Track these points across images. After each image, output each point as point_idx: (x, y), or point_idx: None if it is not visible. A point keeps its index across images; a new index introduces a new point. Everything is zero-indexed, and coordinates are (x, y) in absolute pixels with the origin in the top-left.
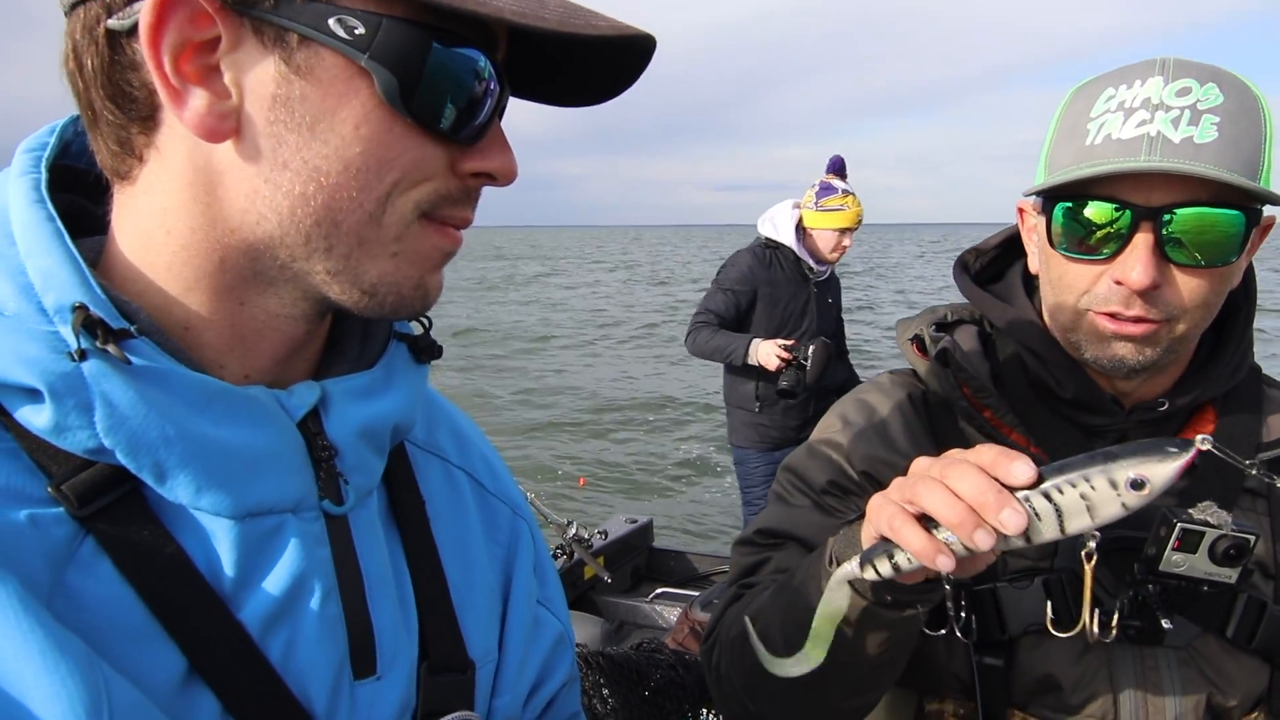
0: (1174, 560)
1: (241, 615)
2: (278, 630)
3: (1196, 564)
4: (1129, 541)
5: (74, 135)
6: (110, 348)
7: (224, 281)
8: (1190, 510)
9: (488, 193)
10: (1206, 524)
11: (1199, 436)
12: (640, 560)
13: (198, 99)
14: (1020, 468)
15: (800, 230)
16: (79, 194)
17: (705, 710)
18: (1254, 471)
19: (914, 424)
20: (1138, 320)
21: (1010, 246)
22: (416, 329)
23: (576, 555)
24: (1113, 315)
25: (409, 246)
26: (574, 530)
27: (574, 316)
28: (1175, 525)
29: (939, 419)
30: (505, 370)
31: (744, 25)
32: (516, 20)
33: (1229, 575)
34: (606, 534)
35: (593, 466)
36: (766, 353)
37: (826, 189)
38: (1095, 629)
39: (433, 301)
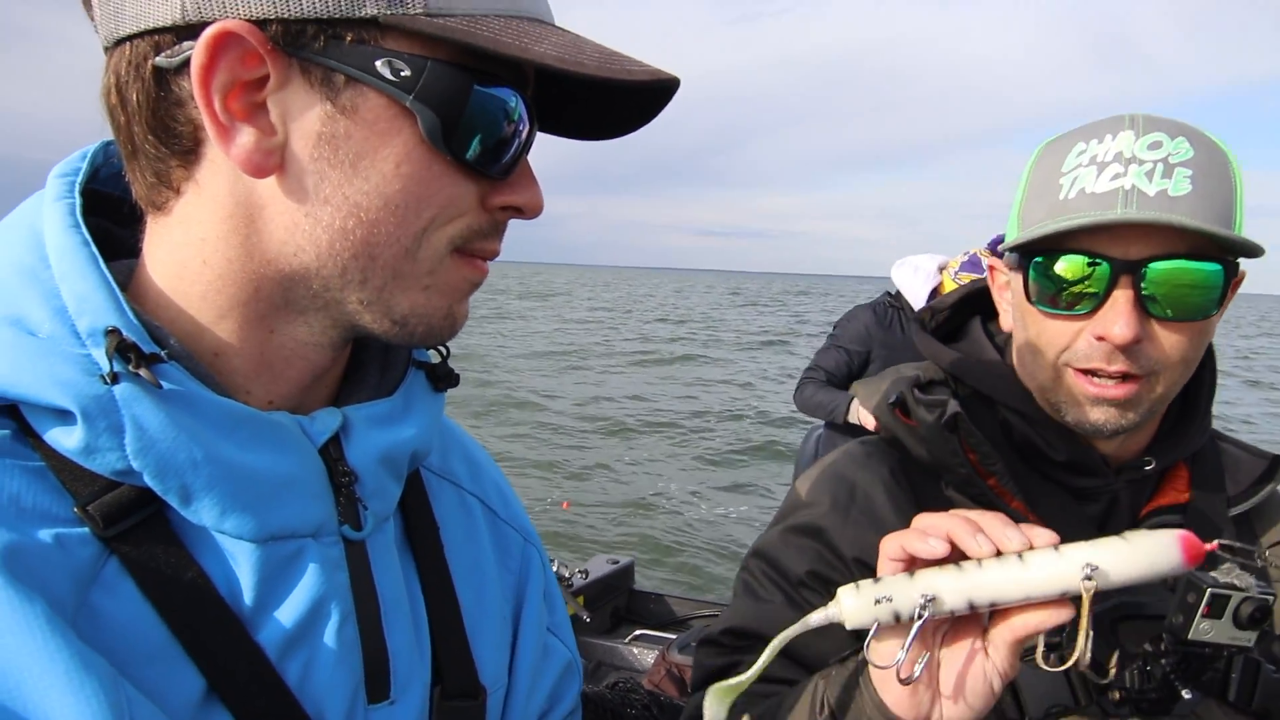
0: (1202, 628)
1: (260, 638)
2: (295, 653)
3: (1221, 631)
4: (1132, 608)
5: (104, 160)
6: (142, 371)
7: (256, 310)
8: (1214, 574)
9: None
10: (1234, 587)
11: (1216, 543)
12: (620, 601)
13: (245, 136)
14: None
15: (934, 295)
16: (105, 218)
17: None
18: (1260, 563)
19: (902, 501)
20: (1122, 377)
21: (965, 304)
22: (434, 357)
23: None
24: (1093, 373)
25: (441, 279)
26: (555, 568)
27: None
28: (1206, 591)
29: (922, 490)
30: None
31: (732, 74)
32: (558, 66)
33: (1249, 639)
34: (587, 573)
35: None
36: (868, 415)
37: (973, 264)
38: (1112, 695)
39: (459, 329)
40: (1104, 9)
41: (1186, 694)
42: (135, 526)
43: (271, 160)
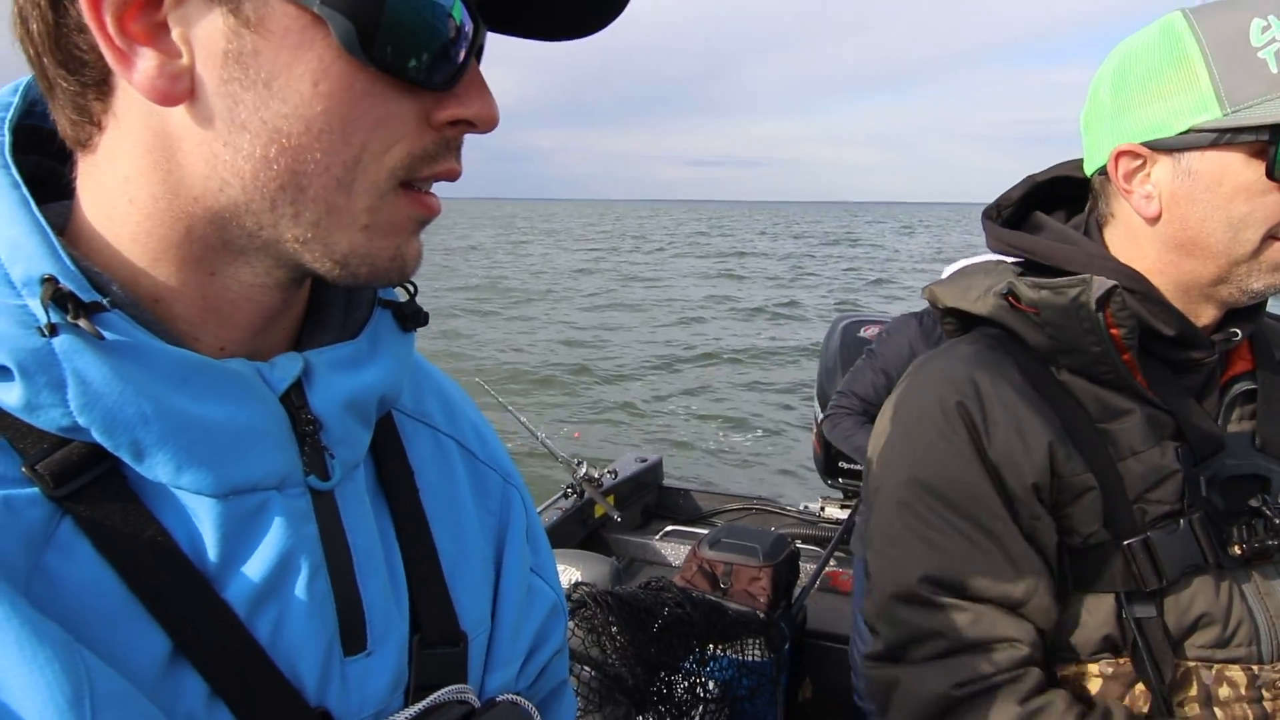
0: None
1: (227, 595)
2: (265, 609)
3: None
4: (1235, 469)
5: (39, 94)
6: (82, 322)
7: (192, 252)
8: None
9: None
10: None
11: None
12: (650, 498)
13: (146, 60)
14: None
15: None
16: (48, 156)
17: (713, 645)
18: None
19: (1028, 392)
20: None
21: (1029, 199)
22: (402, 295)
23: (587, 494)
24: None
25: (383, 218)
26: (584, 469)
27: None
28: None
29: (1038, 378)
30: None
31: None
32: None
33: None
34: (616, 473)
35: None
36: None
37: None
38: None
39: (411, 270)
40: None
41: None
42: (89, 485)
43: (179, 86)
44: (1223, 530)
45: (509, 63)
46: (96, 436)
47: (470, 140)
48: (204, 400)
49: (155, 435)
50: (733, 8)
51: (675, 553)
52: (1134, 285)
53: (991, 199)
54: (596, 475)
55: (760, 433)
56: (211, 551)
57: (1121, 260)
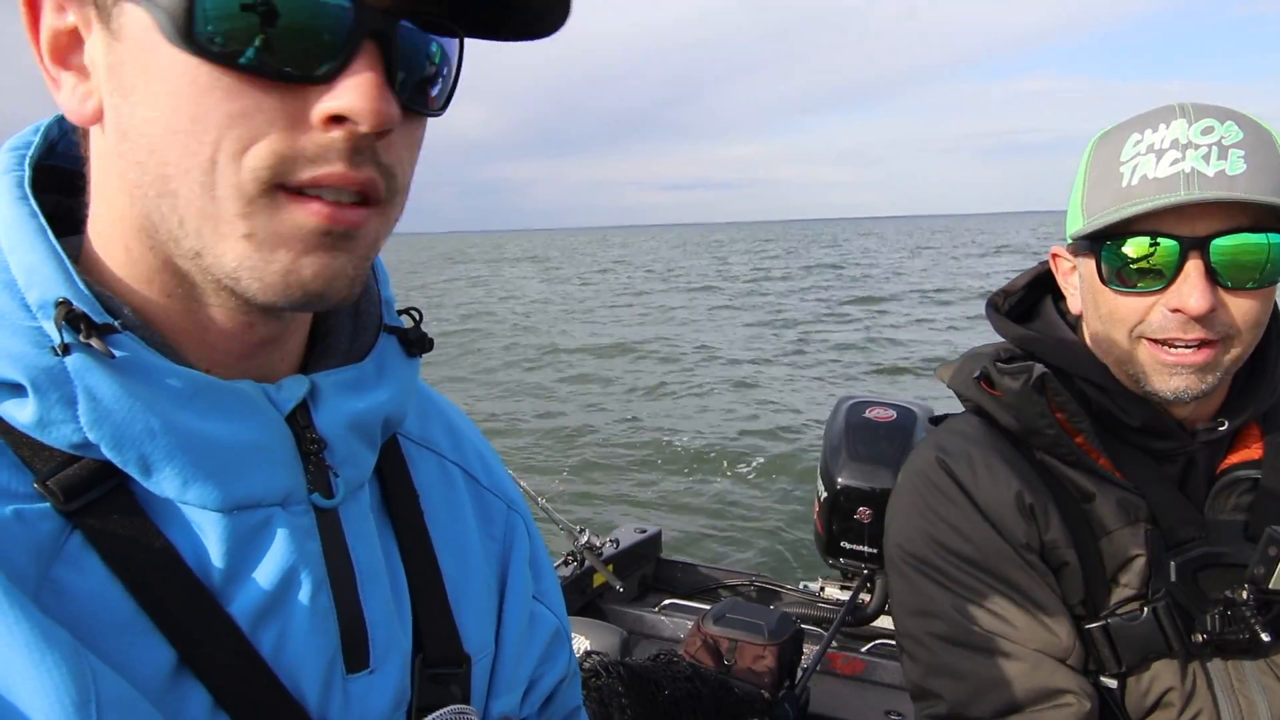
0: None
1: (231, 609)
2: (268, 623)
3: None
4: (1214, 558)
5: (60, 135)
6: (94, 342)
7: (168, 276)
8: None
9: (432, 199)
10: None
11: None
12: (648, 570)
13: (66, 83)
14: None
15: None
16: (66, 195)
17: None
18: None
19: (1016, 461)
20: (1200, 344)
21: (1035, 285)
22: (407, 322)
23: (587, 562)
24: (1167, 344)
25: (262, 226)
26: (586, 537)
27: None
28: None
29: (1023, 456)
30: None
31: (686, 23)
32: None
33: None
34: (618, 542)
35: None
36: None
37: None
38: (1200, 641)
39: (319, 291)
40: None
41: (1266, 636)
42: (98, 500)
43: (89, 105)
44: (1191, 617)
45: (477, 96)
46: (106, 452)
47: (440, 174)
48: (210, 418)
49: (163, 450)
50: (699, 34)
51: (673, 626)
52: (1089, 375)
53: (964, 209)
54: (598, 544)
55: (759, 509)
56: (216, 565)
57: (1096, 352)
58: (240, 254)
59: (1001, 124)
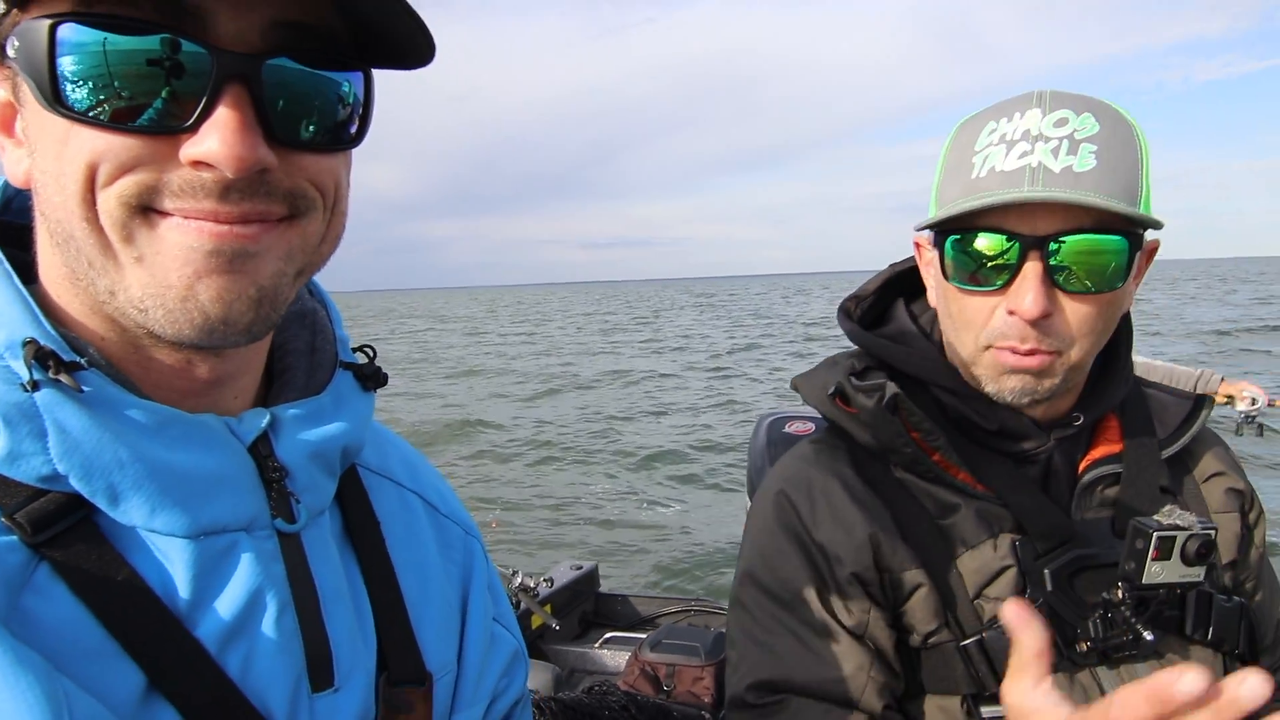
0: (1154, 571)
1: (198, 632)
2: (235, 645)
3: (1171, 570)
4: (1087, 560)
5: (15, 192)
6: (63, 377)
7: (101, 320)
8: (1156, 517)
9: (347, 258)
10: (1177, 527)
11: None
12: (587, 606)
13: (8, 149)
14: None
15: None
16: (24, 249)
17: None
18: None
19: (860, 492)
20: (1032, 353)
21: (888, 288)
22: (361, 358)
23: (524, 605)
24: (1011, 350)
25: (148, 249)
26: (520, 579)
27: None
28: (1152, 535)
29: (875, 475)
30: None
31: (601, 89)
32: None
33: (1198, 574)
34: (553, 581)
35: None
36: None
37: None
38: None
39: (226, 316)
40: (946, 4)
41: (1149, 635)
42: (65, 532)
43: (21, 168)
44: (1072, 625)
45: (392, 157)
46: (74, 482)
47: (356, 232)
48: (176, 448)
49: (131, 479)
50: (613, 100)
51: (616, 660)
52: (942, 381)
53: (870, 266)
54: (533, 584)
55: (692, 530)
56: (183, 591)
57: (947, 352)
58: (141, 281)
59: (903, 185)
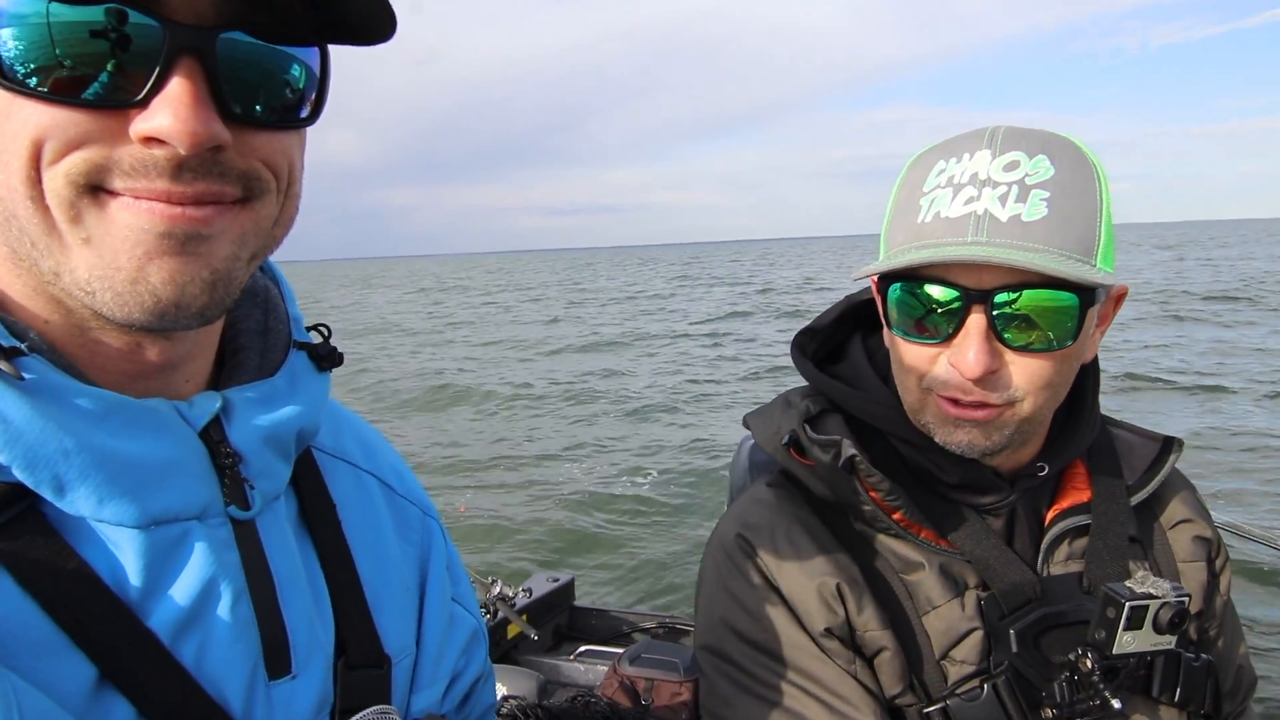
0: (1125, 640)
1: (151, 623)
2: (189, 635)
3: (1143, 639)
4: (1054, 618)
5: None
6: (2, 365)
7: (45, 302)
8: (1128, 585)
9: (305, 226)
10: (1150, 595)
11: None
12: (562, 619)
13: None
14: None
15: None
16: None
17: None
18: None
19: (824, 539)
20: (977, 405)
21: (844, 320)
22: (316, 338)
23: (501, 613)
24: (954, 400)
25: (97, 230)
26: (499, 588)
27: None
28: (1125, 605)
29: (835, 525)
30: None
31: (561, 52)
32: None
33: (1169, 643)
34: (531, 591)
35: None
36: None
37: None
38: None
39: (179, 299)
40: None
41: (1116, 703)
42: (9, 522)
43: None
44: (1038, 689)
45: (351, 123)
46: (17, 474)
47: (315, 200)
48: (123, 435)
49: (77, 469)
50: (577, 63)
51: (590, 673)
52: (898, 432)
53: (838, 230)
54: (511, 594)
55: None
56: (134, 581)
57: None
58: (88, 263)
59: (867, 150)
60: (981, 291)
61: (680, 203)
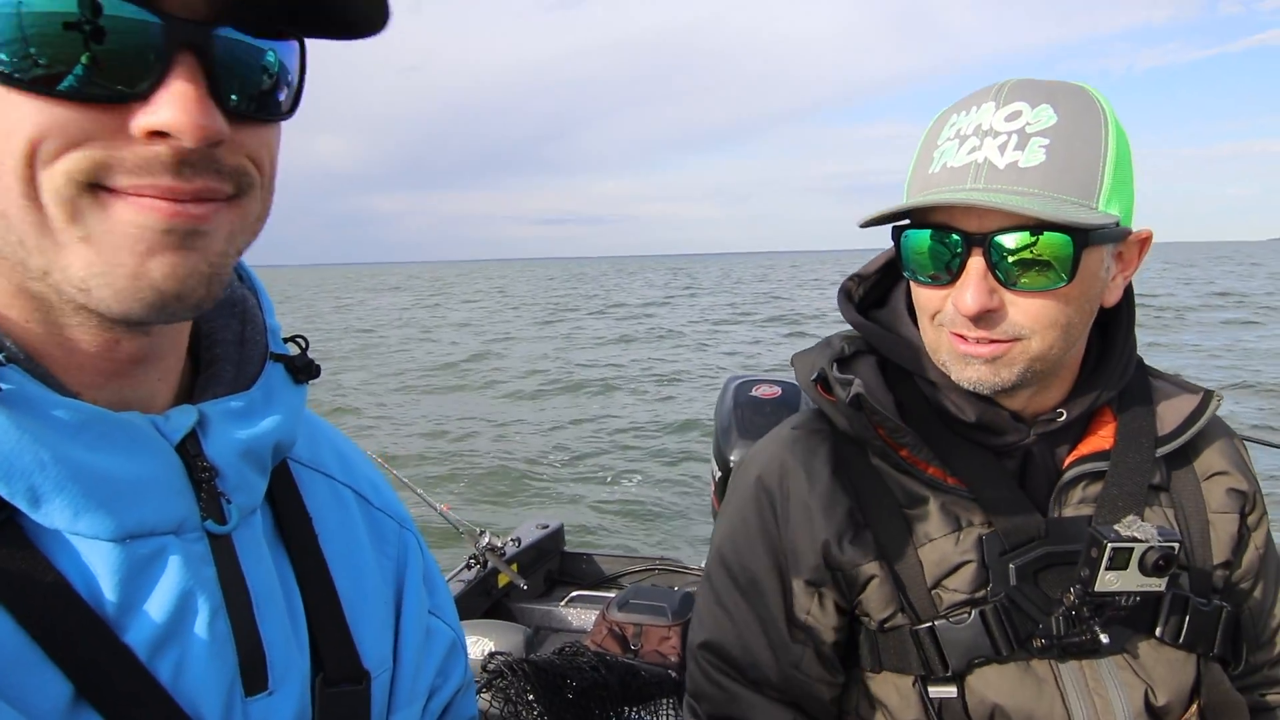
0: (1108, 580)
1: (128, 638)
2: (166, 651)
3: (1128, 580)
4: (1057, 557)
5: None
6: None
7: (24, 302)
8: (1116, 527)
9: (293, 231)
10: (1134, 539)
11: None
12: (553, 565)
13: None
14: None
15: None
16: None
17: (628, 708)
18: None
19: (829, 481)
20: (980, 341)
21: (891, 268)
22: (293, 349)
23: (490, 564)
24: (962, 337)
25: (98, 228)
26: (487, 539)
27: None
28: (1106, 546)
29: (852, 460)
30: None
31: (556, 62)
32: None
33: (1158, 584)
34: (520, 540)
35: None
36: None
37: None
38: (1039, 646)
39: (179, 293)
40: None
41: (1104, 638)
42: None
43: None
44: (1030, 621)
45: (340, 127)
46: None
47: (299, 203)
48: (100, 449)
49: (53, 482)
50: (570, 73)
51: (582, 618)
52: (923, 372)
53: (824, 245)
54: (499, 544)
55: (658, 493)
56: (111, 596)
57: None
58: (85, 260)
59: (854, 166)
60: (981, 235)
61: (672, 214)
